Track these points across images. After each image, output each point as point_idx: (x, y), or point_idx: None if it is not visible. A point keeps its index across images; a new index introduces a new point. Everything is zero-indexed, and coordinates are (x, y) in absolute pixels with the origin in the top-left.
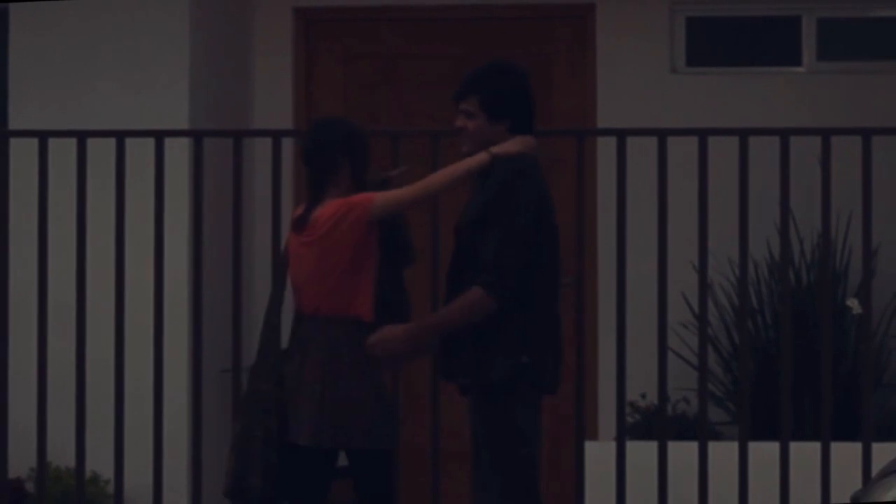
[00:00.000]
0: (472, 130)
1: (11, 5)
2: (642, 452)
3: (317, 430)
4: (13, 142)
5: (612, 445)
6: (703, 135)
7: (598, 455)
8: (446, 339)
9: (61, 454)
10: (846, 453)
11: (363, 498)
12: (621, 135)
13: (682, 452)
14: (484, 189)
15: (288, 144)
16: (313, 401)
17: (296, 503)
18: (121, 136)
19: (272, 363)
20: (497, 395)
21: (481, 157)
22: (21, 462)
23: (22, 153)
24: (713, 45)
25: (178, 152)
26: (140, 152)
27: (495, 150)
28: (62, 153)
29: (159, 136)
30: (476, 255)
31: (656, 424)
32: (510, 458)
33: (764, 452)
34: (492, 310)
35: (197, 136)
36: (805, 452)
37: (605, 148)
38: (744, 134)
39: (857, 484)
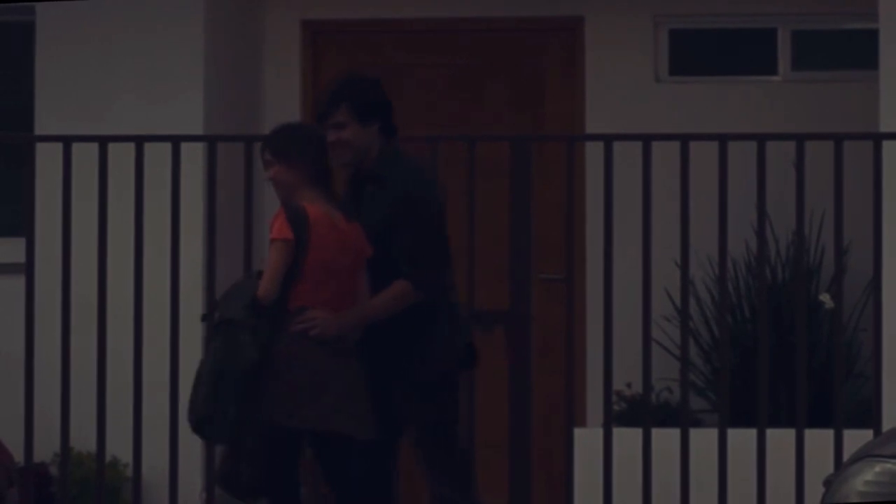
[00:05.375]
0: (349, 138)
1: (38, 21)
2: (628, 438)
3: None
4: (38, 147)
5: (600, 432)
6: (684, 140)
7: (587, 441)
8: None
9: (83, 440)
10: (819, 440)
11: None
12: (608, 140)
13: (666, 438)
14: (383, 195)
15: None
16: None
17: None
18: (140, 141)
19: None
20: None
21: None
22: (45, 447)
23: (46, 158)
24: (695, 55)
25: (193, 157)
26: (158, 157)
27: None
28: (84, 159)
29: (176, 141)
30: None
31: (641, 412)
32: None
33: (742, 439)
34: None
35: (211, 142)
36: (781, 439)
37: (594, 153)
38: (723, 139)
39: (830, 469)
